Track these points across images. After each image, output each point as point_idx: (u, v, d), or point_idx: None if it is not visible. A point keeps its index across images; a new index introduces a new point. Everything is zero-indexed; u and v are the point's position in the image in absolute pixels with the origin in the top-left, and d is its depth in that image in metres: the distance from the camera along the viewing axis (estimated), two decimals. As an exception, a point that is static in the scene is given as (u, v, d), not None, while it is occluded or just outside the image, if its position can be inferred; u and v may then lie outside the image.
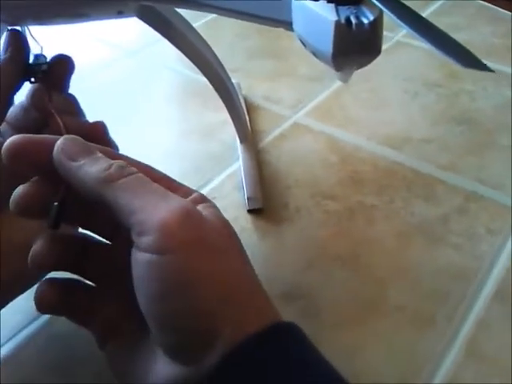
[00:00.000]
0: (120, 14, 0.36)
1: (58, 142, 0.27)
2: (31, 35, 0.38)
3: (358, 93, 0.63)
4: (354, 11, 0.29)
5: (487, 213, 0.49)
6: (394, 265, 0.45)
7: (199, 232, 0.25)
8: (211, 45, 0.48)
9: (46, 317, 0.41)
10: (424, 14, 0.81)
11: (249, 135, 0.53)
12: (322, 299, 0.42)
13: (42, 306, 0.28)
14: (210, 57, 0.45)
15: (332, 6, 0.29)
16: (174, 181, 0.30)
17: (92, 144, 0.28)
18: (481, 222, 0.48)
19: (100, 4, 0.35)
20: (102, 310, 0.29)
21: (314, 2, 0.29)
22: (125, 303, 0.28)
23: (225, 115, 0.57)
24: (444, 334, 0.40)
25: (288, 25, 0.32)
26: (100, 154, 0.27)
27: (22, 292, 0.34)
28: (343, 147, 0.56)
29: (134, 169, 0.26)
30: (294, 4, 0.31)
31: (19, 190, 0.27)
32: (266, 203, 0.49)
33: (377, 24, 0.28)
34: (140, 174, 0.26)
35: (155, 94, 0.65)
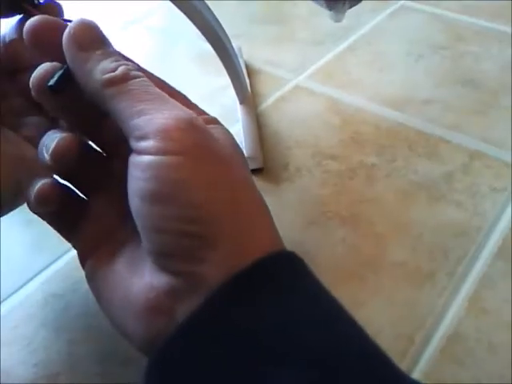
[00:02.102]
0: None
1: (71, 25, 0.25)
2: None
3: (361, 56, 0.63)
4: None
5: (491, 171, 0.48)
6: (395, 222, 0.44)
7: (202, 140, 0.24)
8: (214, 10, 0.47)
9: (42, 277, 0.41)
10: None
11: (248, 97, 0.52)
12: (321, 256, 0.42)
13: (38, 200, 0.27)
14: (210, 19, 0.44)
15: None
16: (189, 99, 0.29)
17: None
18: (484, 180, 0.47)
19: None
20: (92, 221, 0.28)
21: None
22: (116, 215, 0.27)
23: (226, 80, 0.56)
24: (445, 289, 0.39)
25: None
26: (112, 49, 0.26)
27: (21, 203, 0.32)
28: (345, 109, 0.56)
29: (140, 73, 0.25)
30: None
31: None
32: (266, 163, 0.49)
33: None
34: (146, 79, 0.25)
35: (157, 58, 0.65)
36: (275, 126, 0.53)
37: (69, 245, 0.30)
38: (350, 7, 0.30)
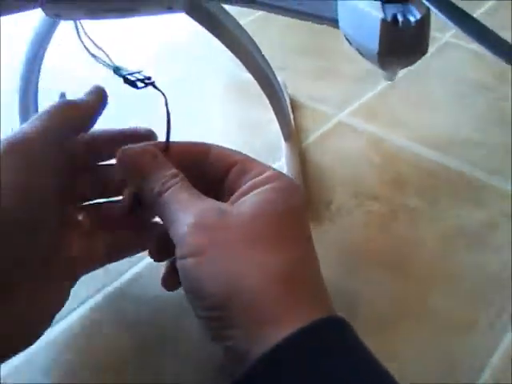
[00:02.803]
0: (169, 9, 0.37)
1: (123, 155, 0.32)
2: (84, 31, 0.39)
3: (405, 93, 0.63)
4: (401, 9, 0.29)
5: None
6: (436, 268, 0.44)
7: (216, 238, 0.28)
8: (258, 42, 0.48)
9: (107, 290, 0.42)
10: (474, 14, 0.80)
11: (293, 133, 0.53)
12: (361, 301, 0.42)
13: None
14: (256, 55, 0.45)
15: (379, 3, 0.29)
16: (250, 161, 0.33)
17: (152, 149, 0.32)
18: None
19: (151, 0, 0.36)
20: None
21: (360, 0, 0.29)
22: None
23: (271, 114, 0.57)
24: (485, 341, 0.39)
25: (334, 22, 0.32)
26: (159, 161, 0.32)
27: None
28: (387, 148, 0.56)
29: (172, 182, 0.30)
30: (340, 1, 0.31)
31: None
32: (308, 201, 0.49)
33: (424, 23, 0.28)
34: (177, 185, 0.30)
35: (203, 91, 0.66)
36: (318, 162, 0.54)
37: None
38: (404, 67, 0.30)
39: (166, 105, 0.33)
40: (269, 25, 0.74)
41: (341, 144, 0.57)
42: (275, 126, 0.56)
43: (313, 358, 0.24)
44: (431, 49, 0.70)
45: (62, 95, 0.63)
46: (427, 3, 0.26)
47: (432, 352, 0.38)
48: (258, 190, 0.30)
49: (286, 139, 0.52)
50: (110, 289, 0.42)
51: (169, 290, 0.35)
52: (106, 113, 0.44)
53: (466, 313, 0.41)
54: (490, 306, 0.41)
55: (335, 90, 0.64)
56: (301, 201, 0.31)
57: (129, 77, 0.35)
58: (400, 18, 0.28)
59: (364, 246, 0.46)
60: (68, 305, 0.34)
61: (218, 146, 0.34)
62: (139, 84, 0.34)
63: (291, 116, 0.57)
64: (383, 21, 0.28)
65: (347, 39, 0.32)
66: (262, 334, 0.26)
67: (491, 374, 0.37)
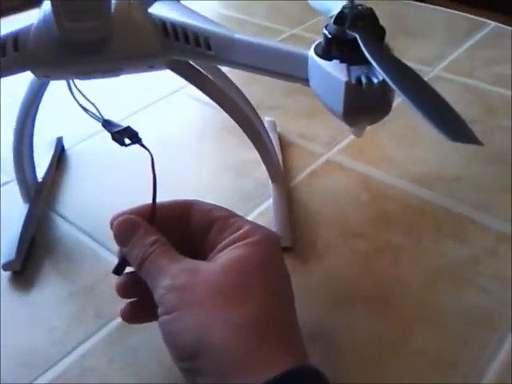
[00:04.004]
0: (151, 68, 0.39)
1: (114, 224, 0.35)
2: (76, 88, 0.41)
3: (392, 130, 0.64)
4: (365, 71, 0.30)
5: (517, 254, 0.48)
6: (420, 306, 0.45)
7: (185, 298, 0.31)
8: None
9: (80, 351, 0.43)
10: (464, 47, 0.82)
11: (280, 174, 0.54)
12: (345, 340, 0.43)
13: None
14: (240, 102, 0.47)
15: (344, 65, 0.30)
16: (230, 217, 0.35)
17: (134, 219, 0.35)
18: (510, 264, 0.48)
19: (133, 60, 0.38)
20: None
21: (327, 62, 0.31)
22: None
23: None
24: (467, 380, 0.39)
25: (305, 81, 0.33)
26: (141, 231, 0.34)
27: None
28: (374, 185, 0.57)
29: (152, 249, 0.33)
30: (310, 63, 0.33)
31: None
32: (294, 241, 0.50)
33: (386, 83, 0.30)
34: (156, 253, 0.33)
35: (191, 131, 0.68)
36: (306, 201, 0.55)
37: (106, 319, 0.39)
38: (371, 124, 0.32)
39: (153, 166, 0.35)
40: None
41: (329, 182, 0.58)
42: (263, 166, 0.57)
43: None
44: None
45: (59, 140, 0.65)
46: (380, 70, 0.27)
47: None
48: (233, 246, 0.32)
49: (273, 181, 0.53)
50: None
51: (122, 297, 0.38)
52: (96, 162, 0.45)
53: (450, 352, 0.41)
54: (472, 345, 0.42)
55: (324, 128, 0.66)
56: (274, 250, 0.33)
57: (116, 133, 0.36)
58: (364, 80, 0.30)
59: (349, 285, 0.47)
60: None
61: (200, 202, 0.37)
62: (126, 141, 0.36)
63: (280, 156, 0.58)
64: (347, 83, 0.30)
65: (318, 98, 0.33)
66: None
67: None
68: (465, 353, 0.41)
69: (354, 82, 0.30)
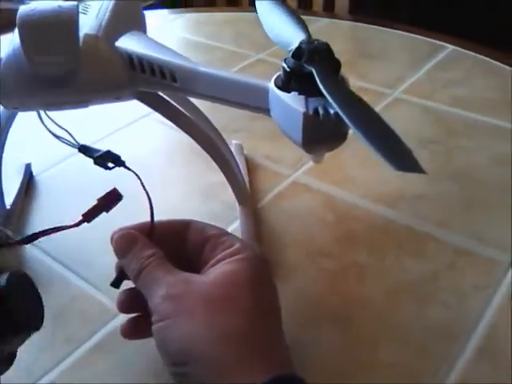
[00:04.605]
0: (118, 99, 0.40)
1: (113, 238, 0.38)
2: (47, 116, 0.42)
3: (356, 151, 0.66)
4: (322, 102, 0.32)
5: (475, 269, 0.51)
6: (384, 323, 0.46)
7: (178, 306, 0.33)
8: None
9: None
10: (424, 69, 0.85)
11: (247, 197, 0.56)
12: (314, 358, 0.44)
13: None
14: (206, 129, 0.48)
15: (303, 97, 0.32)
16: (222, 235, 0.38)
17: (133, 233, 0.37)
18: (469, 278, 0.50)
19: (100, 92, 0.39)
20: None
21: (286, 94, 0.33)
22: None
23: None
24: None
25: (266, 111, 0.35)
26: (139, 245, 0.37)
27: None
28: (339, 205, 0.59)
29: (148, 262, 0.35)
30: (271, 94, 0.34)
31: None
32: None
33: (342, 114, 0.31)
34: (152, 265, 0.35)
35: (160, 155, 0.69)
36: (273, 222, 0.57)
37: (75, 345, 0.42)
38: (328, 151, 0.34)
39: (143, 185, 0.38)
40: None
41: (295, 203, 0.60)
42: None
43: None
44: (381, 104, 0.75)
45: (28, 166, 0.65)
46: (333, 104, 0.29)
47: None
48: (225, 261, 0.35)
49: (239, 203, 0.55)
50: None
51: (122, 312, 0.41)
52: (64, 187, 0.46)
53: (413, 364, 0.43)
54: (434, 357, 0.43)
55: (290, 150, 0.67)
56: (263, 269, 0.36)
57: (98, 158, 0.38)
58: (321, 111, 0.31)
59: (316, 303, 0.49)
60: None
61: (195, 221, 0.39)
62: (110, 165, 0.37)
63: (247, 178, 0.60)
64: (305, 114, 0.31)
65: (279, 128, 0.35)
66: None
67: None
68: (427, 364, 0.43)
69: (311, 113, 0.31)
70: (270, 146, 0.68)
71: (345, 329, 0.46)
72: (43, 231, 0.35)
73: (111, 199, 0.36)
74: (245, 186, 0.56)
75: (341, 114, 0.27)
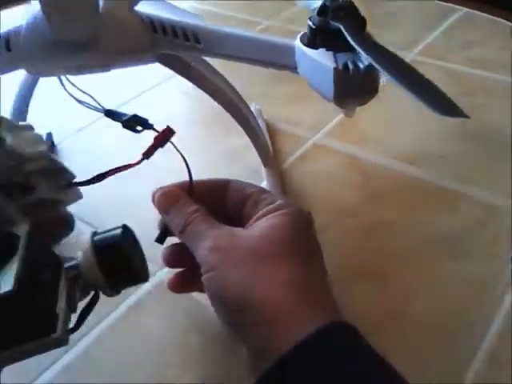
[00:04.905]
0: (140, 61, 0.40)
1: (155, 195, 0.38)
2: (70, 82, 0.42)
3: (375, 112, 0.65)
4: (352, 57, 0.31)
5: (504, 224, 0.50)
6: (418, 278, 0.46)
7: (226, 257, 0.33)
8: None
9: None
10: (438, 31, 0.83)
11: (271, 159, 0.56)
12: (345, 313, 0.44)
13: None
14: (228, 91, 0.48)
15: (331, 53, 0.32)
16: (263, 192, 0.37)
17: (176, 190, 0.37)
18: (502, 232, 0.49)
19: (123, 56, 0.38)
20: None
21: (314, 51, 0.32)
22: None
23: (248, 140, 0.60)
24: (467, 344, 0.41)
25: (293, 69, 0.34)
26: (182, 201, 0.37)
27: None
28: (363, 165, 0.58)
29: (192, 217, 0.35)
30: (297, 52, 0.34)
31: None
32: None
33: (372, 67, 0.31)
34: (197, 220, 0.35)
35: (180, 121, 0.69)
36: (298, 185, 0.57)
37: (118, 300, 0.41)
38: (360, 105, 0.33)
39: (175, 147, 0.38)
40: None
41: (318, 165, 0.59)
42: (254, 152, 0.59)
43: (332, 356, 0.28)
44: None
45: (49, 135, 0.65)
46: (366, 55, 0.28)
47: (421, 355, 0.41)
48: (269, 215, 0.34)
49: (265, 165, 0.54)
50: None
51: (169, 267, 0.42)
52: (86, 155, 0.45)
53: (449, 318, 0.43)
54: (469, 311, 0.43)
55: (309, 113, 0.67)
56: (307, 224, 0.36)
57: (126, 122, 0.37)
58: (350, 66, 0.31)
59: (347, 260, 0.48)
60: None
61: (236, 180, 0.39)
62: (138, 128, 0.37)
63: (269, 142, 0.59)
64: (336, 69, 0.31)
65: (308, 83, 0.34)
66: (273, 333, 0.30)
67: (475, 373, 0.39)
68: (463, 318, 0.43)
69: (341, 67, 0.31)
70: (288, 110, 0.68)
71: (377, 284, 0.46)
72: (108, 171, 0.35)
73: (165, 136, 0.37)
74: (269, 148, 0.55)
75: (377, 66, 0.27)
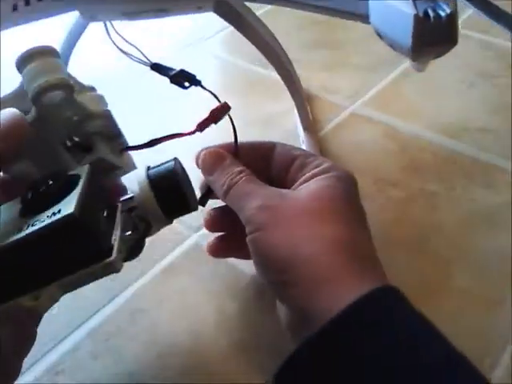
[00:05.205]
0: (199, 9, 0.38)
1: (200, 155, 0.37)
2: (117, 33, 0.41)
3: (415, 83, 0.64)
4: (432, 4, 0.30)
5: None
6: (458, 248, 0.46)
7: (272, 217, 0.32)
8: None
9: (129, 292, 0.44)
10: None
11: (311, 123, 0.55)
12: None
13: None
14: (277, 48, 0.47)
15: (410, 1, 0.31)
16: (309, 155, 0.37)
17: (221, 151, 0.37)
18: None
19: (182, 0, 0.37)
20: None
21: (392, -2, 0.31)
22: None
23: (283, 105, 0.59)
24: (502, 318, 0.41)
25: (365, 18, 0.33)
26: (227, 161, 0.36)
27: None
28: (401, 136, 0.58)
29: (238, 177, 0.35)
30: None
31: None
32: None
33: (453, 16, 0.30)
34: (244, 180, 0.35)
35: (215, 85, 0.67)
36: (335, 152, 0.56)
37: (154, 261, 0.42)
38: (436, 57, 0.32)
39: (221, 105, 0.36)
40: (278, 18, 0.75)
41: (356, 134, 0.58)
42: (290, 118, 0.58)
43: (384, 318, 0.28)
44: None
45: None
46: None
47: (464, 325, 0.40)
48: (317, 177, 0.34)
49: (305, 129, 0.53)
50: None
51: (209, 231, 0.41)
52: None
53: (491, 290, 0.43)
54: (505, 284, 0.43)
55: (347, 81, 0.66)
56: (354, 187, 0.35)
57: (174, 76, 0.36)
58: (431, 14, 0.30)
59: (387, 229, 0.48)
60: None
61: (281, 143, 0.38)
62: (185, 84, 0.36)
63: (308, 107, 0.58)
64: (416, 16, 0.30)
65: (378, 34, 0.33)
66: (322, 292, 0.29)
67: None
68: (506, 290, 0.42)
69: (421, 15, 0.30)
70: (324, 78, 0.67)
71: (417, 254, 0.46)
72: (162, 137, 0.35)
73: (222, 111, 0.36)
74: (308, 111, 0.54)
75: (475, 9, 0.26)
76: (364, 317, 0.28)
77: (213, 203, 0.39)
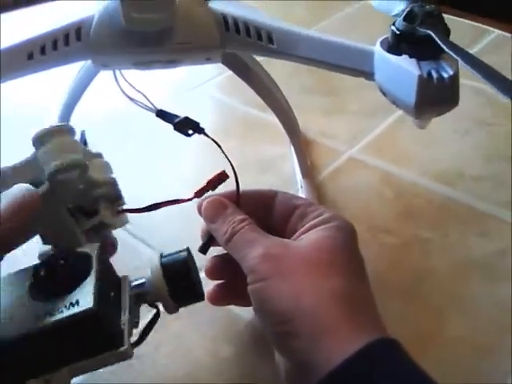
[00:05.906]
0: (208, 60, 0.40)
1: (203, 204, 0.38)
2: (125, 79, 0.42)
3: (411, 130, 0.66)
4: (435, 66, 0.32)
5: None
6: (452, 297, 0.46)
7: (278, 266, 0.33)
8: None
9: None
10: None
11: (310, 170, 0.56)
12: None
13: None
14: (279, 95, 0.48)
15: (414, 60, 0.32)
16: (310, 205, 0.38)
17: (223, 200, 0.38)
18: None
19: (192, 52, 0.39)
20: None
21: (396, 57, 0.32)
22: None
23: (281, 148, 0.60)
24: (505, 366, 0.41)
25: (370, 75, 0.35)
26: (229, 210, 0.37)
27: None
28: (397, 182, 0.59)
29: (240, 226, 0.35)
30: (377, 57, 0.34)
31: None
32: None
33: (455, 78, 0.31)
34: (246, 228, 0.35)
35: (213, 129, 0.68)
36: (332, 198, 0.57)
37: None
38: (437, 116, 0.34)
39: (225, 154, 0.38)
40: (275, 66, 0.77)
41: (353, 179, 0.59)
42: (287, 161, 0.59)
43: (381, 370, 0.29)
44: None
45: (82, 133, 0.65)
46: (456, 56, 0.29)
47: (457, 375, 0.41)
48: (318, 228, 0.35)
49: (303, 176, 0.55)
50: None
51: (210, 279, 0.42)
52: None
53: (485, 339, 0.43)
54: (507, 332, 0.43)
55: (344, 126, 0.67)
56: (354, 237, 0.36)
57: (177, 124, 0.38)
58: (434, 75, 0.31)
59: (380, 277, 0.48)
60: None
61: (282, 192, 0.39)
62: (189, 131, 0.37)
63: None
64: (420, 77, 0.31)
65: (382, 91, 0.35)
66: (321, 345, 0.30)
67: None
68: (501, 339, 0.43)
69: (425, 75, 0.31)
70: (323, 122, 0.68)
71: (410, 301, 0.46)
72: (161, 202, 0.37)
73: (219, 180, 0.38)
74: (307, 158, 0.56)
75: (470, 70, 0.28)
76: (360, 370, 0.29)
77: (214, 251, 0.40)
